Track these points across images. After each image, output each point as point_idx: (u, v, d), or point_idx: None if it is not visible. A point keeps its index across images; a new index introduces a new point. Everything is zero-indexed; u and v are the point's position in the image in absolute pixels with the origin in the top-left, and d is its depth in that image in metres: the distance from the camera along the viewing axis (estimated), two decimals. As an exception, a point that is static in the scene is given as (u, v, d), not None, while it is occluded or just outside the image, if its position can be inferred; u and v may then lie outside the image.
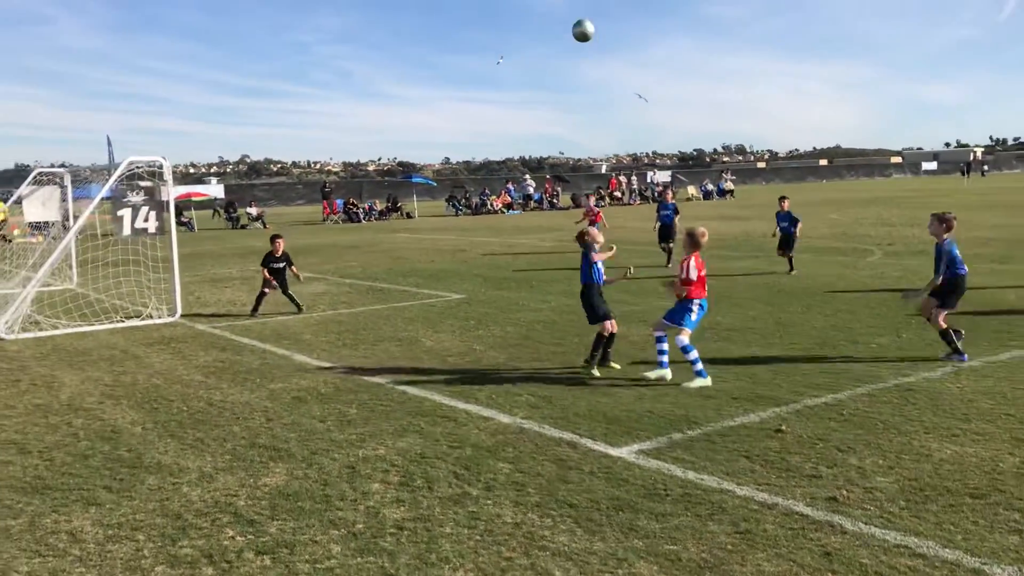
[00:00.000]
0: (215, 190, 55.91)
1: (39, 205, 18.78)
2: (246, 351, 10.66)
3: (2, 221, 32.74)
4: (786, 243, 16.69)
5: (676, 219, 18.63)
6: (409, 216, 45.96)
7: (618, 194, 57.02)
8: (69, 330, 12.45)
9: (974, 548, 4.49)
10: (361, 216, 44.26)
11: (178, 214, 30.61)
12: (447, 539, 4.87)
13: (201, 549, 4.86)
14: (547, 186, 55.86)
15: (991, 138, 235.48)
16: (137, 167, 13.53)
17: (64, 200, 18.72)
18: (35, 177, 19.25)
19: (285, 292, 13.60)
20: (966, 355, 8.61)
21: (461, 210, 48.57)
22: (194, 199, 47.42)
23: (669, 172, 76.04)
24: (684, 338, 8.12)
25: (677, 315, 8.24)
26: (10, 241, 26.40)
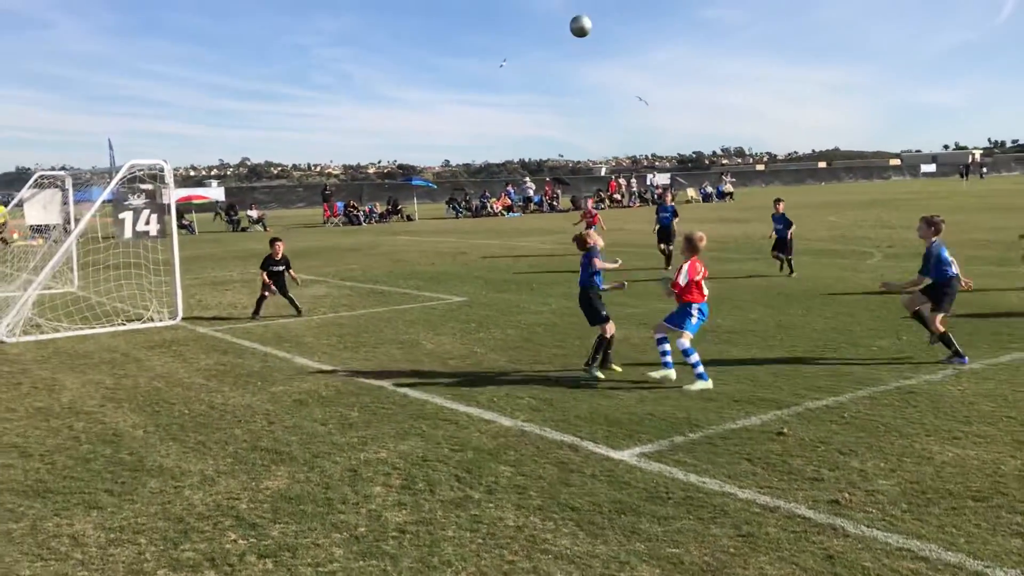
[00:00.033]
0: (216, 193, 55.86)
1: (40, 208, 18.80)
2: (247, 354, 10.66)
3: (1, 224, 32.74)
4: (781, 245, 16.70)
5: (674, 222, 18.65)
6: (409, 219, 45.97)
7: (618, 196, 57.11)
8: (70, 333, 12.46)
9: (977, 551, 4.49)
10: (361, 219, 44.29)
11: (179, 217, 30.60)
12: (449, 542, 4.87)
13: (203, 552, 4.86)
14: (547, 188, 55.92)
15: (989, 140, 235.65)
16: (139, 170, 13.55)
17: (65, 203, 18.74)
18: (36, 180, 19.27)
19: (285, 295, 13.61)
20: (967, 357, 8.62)
21: (461, 212, 48.60)
22: (194, 202, 47.46)
23: (668, 174, 76.03)
24: (685, 341, 8.14)
25: (677, 319, 8.27)
26: (9, 244, 26.41)
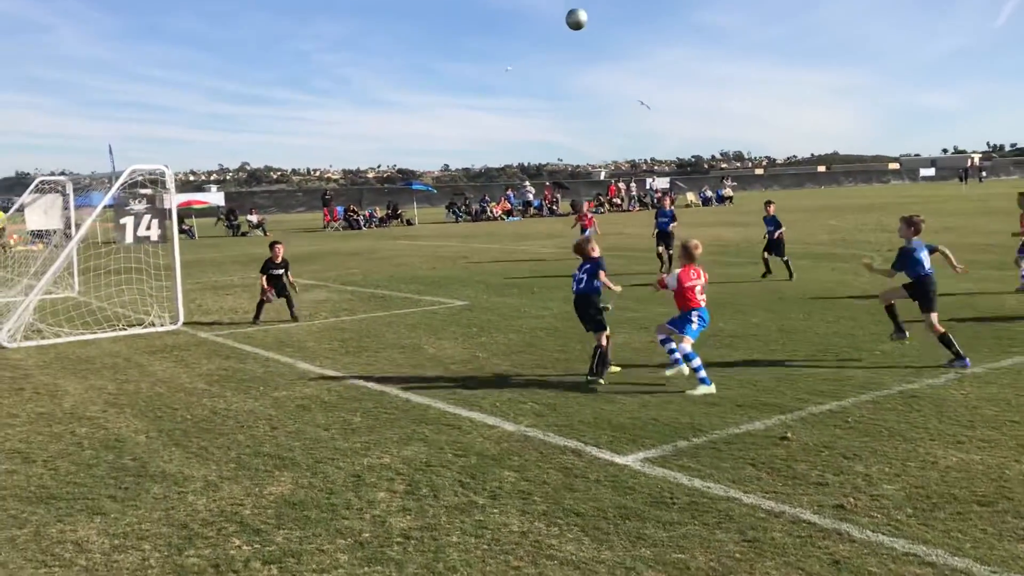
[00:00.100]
0: (215, 198, 55.93)
1: (41, 213, 18.81)
2: (249, 359, 10.65)
3: (0, 229, 32.72)
4: (772, 247, 16.71)
5: (672, 226, 18.64)
6: (409, 223, 45.99)
7: (617, 200, 57.13)
8: (71, 338, 12.45)
9: (984, 556, 4.48)
10: (361, 223, 44.34)
11: (179, 222, 30.60)
12: (454, 548, 4.86)
13: (208, 559, 4.85)
14: (546, 193, 55.94)
15: (988, 144, 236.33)
16: (140, 175, 13.55)
17: (66, 208, 18.75)
18: (37, 185, 19.28)
19: (283, 295, 13.63)
20: (968, 359, 8.63)
21: (461, 217, 48.63)
22: (194, 207, 47.49)
23: (668, 178, 76.10)
24: (686, 346, 8.16)
25: (678, 324, 8.31)
26: (8, 249, 26.39)
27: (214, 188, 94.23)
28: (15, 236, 30.26)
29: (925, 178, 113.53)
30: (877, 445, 6.36)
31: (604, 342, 8.62)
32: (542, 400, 8.01)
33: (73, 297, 16.68)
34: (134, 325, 13.25)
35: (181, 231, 34.31)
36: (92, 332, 12.77)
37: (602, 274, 8.71)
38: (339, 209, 46.09)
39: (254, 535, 5.14)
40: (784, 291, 14.81)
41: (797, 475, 5.80)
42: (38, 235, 22.71)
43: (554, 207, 52.82)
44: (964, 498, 5.28)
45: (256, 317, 13.50)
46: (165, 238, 13.84)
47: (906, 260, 8.96)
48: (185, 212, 42.40)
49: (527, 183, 66.01)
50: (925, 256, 8.94)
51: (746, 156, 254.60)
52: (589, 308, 8.75)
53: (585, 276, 8.74)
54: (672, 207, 19.78)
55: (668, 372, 8.51)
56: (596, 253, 8.88)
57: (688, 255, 8.41)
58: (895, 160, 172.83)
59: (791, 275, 16.17)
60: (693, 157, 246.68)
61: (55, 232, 18.88)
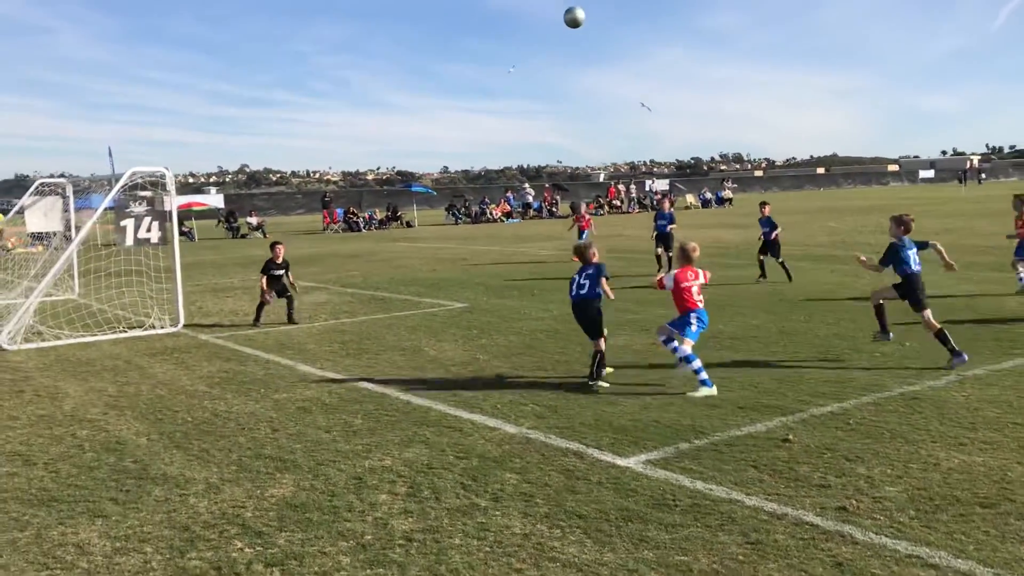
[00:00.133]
0: (215, 200, 55.94)
1: (41, 216, 18.81)
2: (250, 361, 10.65)
3: (-1, 231, 32.72)
4: (768, 248, 16.72)
5: (671, 228, 18.64)
6: (409, 225, 46.01)
7: (617, 202, 57.15)
8: (72, 340, 12.44)
9: (987, 558, 4.47)
10: (361, 225, 44.34)
11: (179, 224, 30.63)
12: (456, 550, 4.85)
13: (210, 561, 4.84)
14: (546, 195, 55.98)
15: (987, 146, 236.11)
16: (140, 177, 13.55)
17: (66, 210, 18.74)
18: (37, 187, 19.28)
19: (284, 296, 13.63)
20: (965, 355, 8.64)
21: (461, 219, 48.65)
22: (194, 209, 47.48)
23: (667, 180, 76.11)
24: (686, 348, 8.15)
25: (678, 326, 8.32)
26: (7, 251, 26.38)
27: (214, 190, 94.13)
28: (14, 238, 30.26)
29: (924, 180, 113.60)
30: (879, 447, 6.35)
31: (603, 347, 8.61)
32: (543, 402, 8.01)
33: (73, 299, 16.68)
34: (134, 327, 13.24)
35: (181, 233, 34.35)
36: (92, 334, 12.76)
37: (604, 282, 8.67)
38: (339, 211, 46.11)
39: (256, 537, 5.14)
40: (784, 293, 14.81)
41: (799, 477, 5.79)
42: (38, 237, 22.71)
43: (553, 209, 52.85)
44: (967, 500, 5.28)
45: (256, 319, 13.50)
46: (165, 240, 13.84)
47: (894, 256, 9.01)
48: (185, 214, 42.39)
49: (526, 185, 66.05)
50: (913, 254, 9.00)
51: (745, 158, 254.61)
52: (591, 314, 8.72)
53: (588, 282, 8.66)
54: (671, 209, 19.76)
55: (677, 370, 8.51)
56: (597, 258, 8.87)
57: (685, 257, 8.43)
58: (894, 162, 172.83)
59: (790, 277, 16.15)
60: (692, 159, 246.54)
61: (55, 234, 18.89)
